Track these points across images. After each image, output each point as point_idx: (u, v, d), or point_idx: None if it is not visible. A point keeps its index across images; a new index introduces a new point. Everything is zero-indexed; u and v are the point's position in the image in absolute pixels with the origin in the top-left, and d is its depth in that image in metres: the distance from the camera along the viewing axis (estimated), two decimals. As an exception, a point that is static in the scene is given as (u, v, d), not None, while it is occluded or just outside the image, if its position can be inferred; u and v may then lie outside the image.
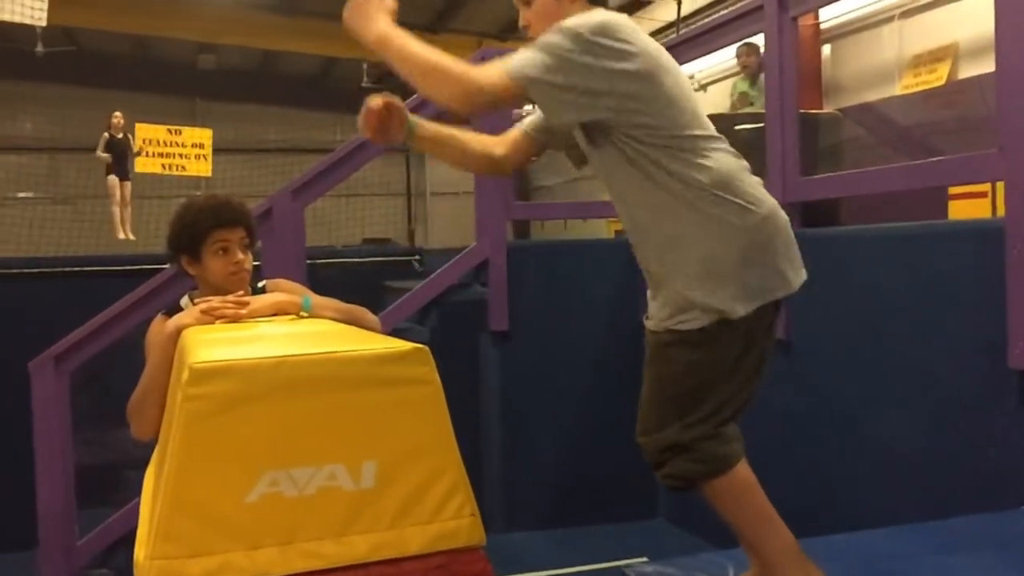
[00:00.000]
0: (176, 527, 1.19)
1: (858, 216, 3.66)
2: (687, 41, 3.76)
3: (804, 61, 7.59)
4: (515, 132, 2.00)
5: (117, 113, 10.71)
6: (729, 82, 7.47)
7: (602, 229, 12.70)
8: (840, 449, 2.92)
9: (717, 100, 9.60)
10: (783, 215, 1.66)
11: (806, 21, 8.24)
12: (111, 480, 3.90)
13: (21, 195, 16.55)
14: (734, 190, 1.60)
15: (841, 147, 4.26)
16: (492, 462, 4.02)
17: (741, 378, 1.62)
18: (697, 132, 1.64)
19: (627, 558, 3.58)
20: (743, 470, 1.65)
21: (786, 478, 3.16)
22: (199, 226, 2.17)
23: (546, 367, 4.10)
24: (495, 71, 1.57)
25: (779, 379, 3.17)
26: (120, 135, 10.53)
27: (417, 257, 5.38)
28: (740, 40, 3.68)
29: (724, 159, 1.64)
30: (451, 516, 1.32)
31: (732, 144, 4.47)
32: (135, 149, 10.10)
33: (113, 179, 10.58)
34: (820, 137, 4.03)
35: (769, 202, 1.63)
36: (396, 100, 1.84)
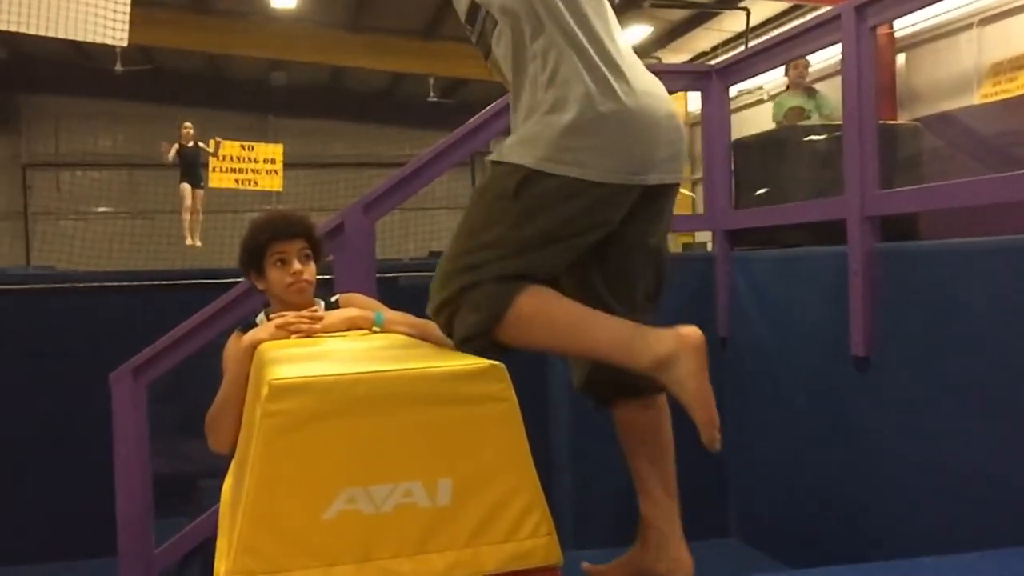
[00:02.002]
0: (256, 543, 1.20)
1: (938, 230, 3.56)
2: (760, 53, 3.71)
3: (879, 71, 7.43)
4: None
5: (187, 124, 11.04)
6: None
7: (670, 243, 12.57)
8: (919, 468, 2.83)
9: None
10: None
11: (881, 30, 8.06)
12: (186, 490, 3.97)
13: (101, 210, 17.10)
14: None
15: (920, 158, 4.14)
16: (562, 479, 3.99)
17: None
18: None
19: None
20: (525, 297, 1.56)
21: (863, 496, 3.08)
22: (259, 240, 2.25)
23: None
24: None
25: (856, 396, 3.10)
26: (190, 144, 10.84)
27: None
28: (814, 51, 3.61)
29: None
30: (528, 535, 1.31)
31: (805, 156, 4.37)
32: (210, 149, 10.37)
33: (185, 186, 10.92)
34: (898, 148, 3.94)
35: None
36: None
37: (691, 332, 1.53)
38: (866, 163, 2.95)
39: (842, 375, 3.11)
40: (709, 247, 5.90)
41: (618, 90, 1.60)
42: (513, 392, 1.32)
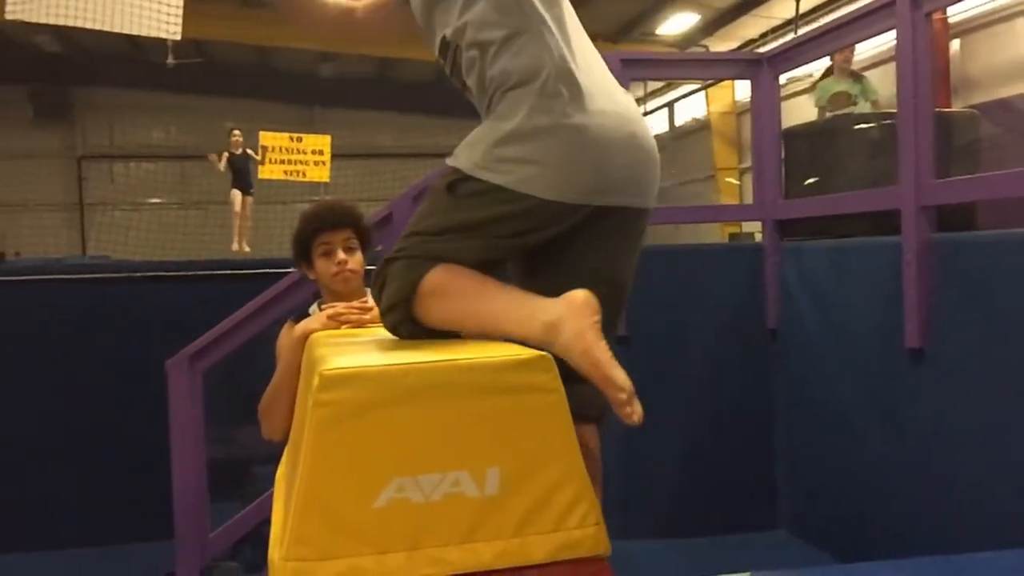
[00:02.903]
0: (308, 530, 1.22)
1: (996, 220, 3.48)
2: (811, 40, 3.65)
3: (932, 57, 7.28)
4: None
5: (236, 131, 11.27)
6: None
7: (716, 233, 12.46)
8: (974, 461, 2.78)
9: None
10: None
11: (935, 15, 7.89)
12: (239, 475, 4.05)
13: (153, 201, 17.43)
14: None
15: (976, 146, 4.05)
16: (609, 468, 3.97)
17: None
18: None
19: (742, 571, 3.50)
20: (435, 272, 1.57)
21: (916, 489, 3.03)
22: (306, 231, 2.31)
23: (665, 373, 4.04)
24: None
25: (909, 388, 3.05)
26: (239, 151, 11.07)
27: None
28: (867, 38, 3.54)
29: None
30: (576, 525, 1.31)
31: (857, 145, 4.31)
32: (257, 158, 10.54)
33: (235, 193, 11.15)
34: (954, 136, 3.86)
35: None
36: None
37: (576, 294, 1.48)
38: (921, 152, 2.89)
39: (895, 367, 3.07)
40: (756, 237, 5.83)
41: (566, 106, 1.57)
42: (560, 383, 1.33)
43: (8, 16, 6.54)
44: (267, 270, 4.66)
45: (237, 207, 11.17)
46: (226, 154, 11.08)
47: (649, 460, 4.04)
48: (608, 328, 1.55)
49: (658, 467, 4.05)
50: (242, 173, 11.11)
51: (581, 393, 1.44)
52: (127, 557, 3.97)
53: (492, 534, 1.28)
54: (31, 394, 4.32)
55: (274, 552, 1.28)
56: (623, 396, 1.39)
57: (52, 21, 6.39)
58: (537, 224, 1.60)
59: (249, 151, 10.94)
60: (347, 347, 1.57)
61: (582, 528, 1.32)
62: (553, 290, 1.55)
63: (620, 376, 1.41)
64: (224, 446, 4.02)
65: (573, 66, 1.61)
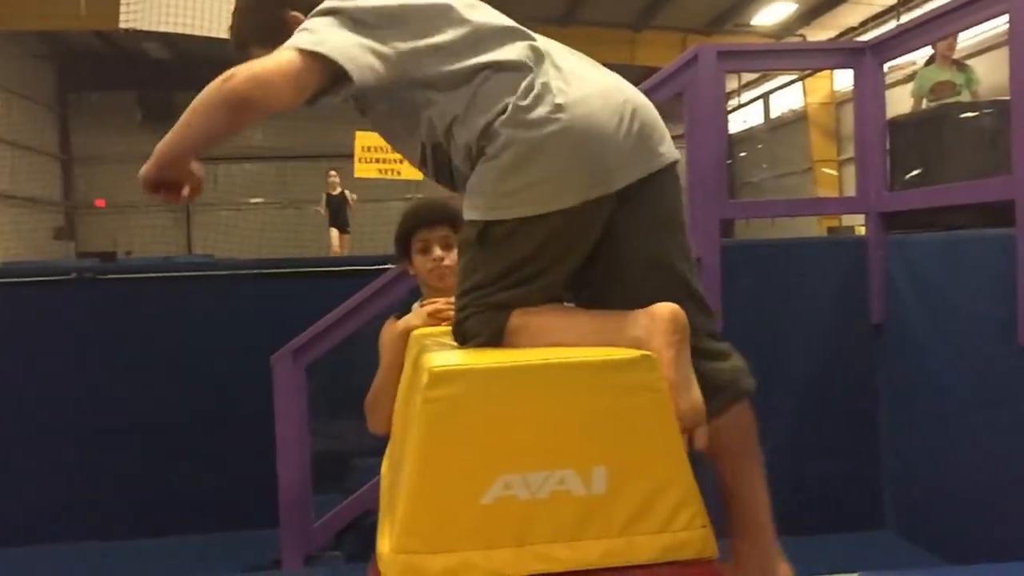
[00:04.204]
0: (417, 524, 1.25)
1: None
2: (917, 27, 3.53)
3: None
4: None
5: (333, 172, 11.80)
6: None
7: (813, 227, 12.15)
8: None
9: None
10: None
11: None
12: (341, 468, 4.15)
13: (253, 201, 17.97)
14: None
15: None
16: (704, 468, 3.94)
17: None
18: None
19: (843, 571, 3.41)
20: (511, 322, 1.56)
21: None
22: (404, 228, 2.36)
23: (763, 369, 3.96)
24: None
25: (1022, 385, 2.93)
26: (336, 192, 11.61)
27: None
28: (977, 24, 3.40)
29: None
30: (682, 527, 1.31)
31: (965, 134, 4.15)
32: (353, 198, 11.08)
33: (333, 231, 11.68)
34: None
35: None
36: None
37: (661, 309, 1.45)
38: (1041, 141, 2.77)
39: (1007, 363, 2.95)
40: (857, 231, 5.66)
41: (543, 117, 1.54)
42: (665, 382, 1.32)
43: (122, 25, 6.82)
44: (364, 267, 4.76)
45: (335, 245, 11.65)
46: (324, 194, 11.62)
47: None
48: (698, 316, 1.57)
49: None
50: (338, 212, 11.62)
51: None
52: (235, 544, 4.11)
53: (598, 533, 1.28)
54: (142, 386, 4.50)
55: (383, 545, 1.31)
56: (683, 423, 1.39)
57: (162, 28, 6.64)
58: (573, 237, 1.58)
59: (346, 192, 11.44)
60: (450, 344, 1.60)
61: (688, 530, 1.31)
62: (617, 298, 1.56)
63: (684, 403, 1.40)
64: (326, 439, 4.12)
65: (534, 75, 1.58)
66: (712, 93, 3.74)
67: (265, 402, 3.70)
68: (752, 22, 15.88)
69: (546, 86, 1.57)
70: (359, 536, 3.68)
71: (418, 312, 2.18)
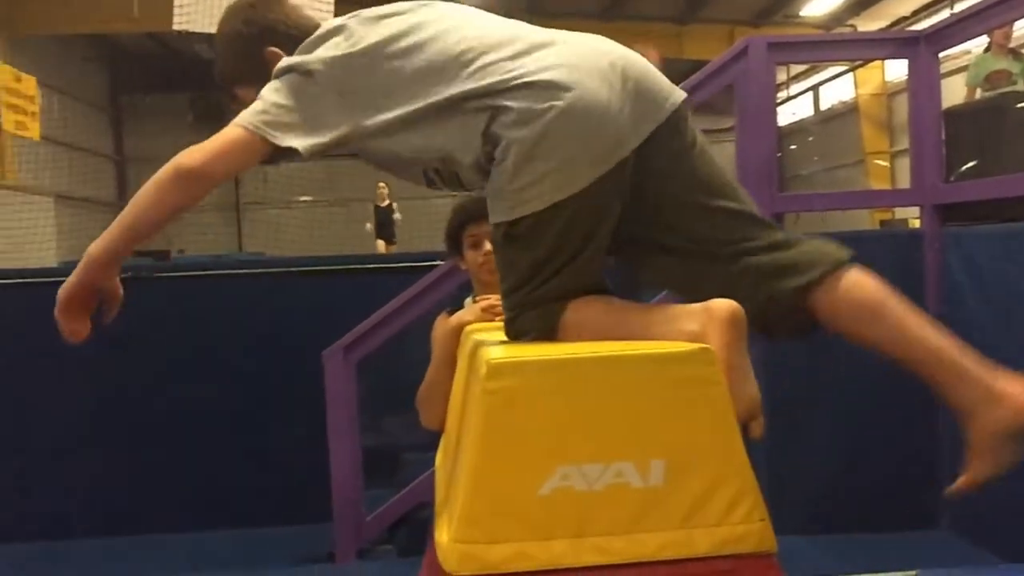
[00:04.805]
0: (476, 514, 1.26)
1: None
2: (974, 15, 3.46)
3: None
4: None
5: (381, 184, 12.01)
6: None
7: (865, 220, 11.96)
8: None
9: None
10: None
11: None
12: (391, 463, 4.19)
13: (302, 199, 18.18)
14: None
15: None
16: (758, 460, 3.89)
17: None
18: None
19: (899, 569, 3.37)
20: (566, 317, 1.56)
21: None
22: (454, 223, 2.39)
23: (821, 362, 3.92)
24: None
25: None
26: (384, 203, 11.84)
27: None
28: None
29: None
30: (740, 520, 1.30)
31: (1022, 124, 4.04)
32: (397, 216, 11.32)
33: (380, 243, 11.93)
34: None
35: None
36: None
37: (718, 305, 1.43)
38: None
39: (1072, 359, 2.88)
40: (910, 224, 5.55)
41: (534, 107, 1.52)
42: (723, 376, 1.32)
43: (175, 27, 6.95)
44: (412, 264, 4.81)
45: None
46: (372, 206, 11.84)
47: (801, 453, 3.93)
48: (751, 228, 1.59)
49: (811, 460, 3.94)
50: (385, 224, 11.83)
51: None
52: (290, 538, 4.18)
53: (656, 525, 1.28)
54: (197, 383, 4.59)
55: (442, 535, 1.33)
56: (739, 417, 1.37)
57: (214, 30, 6.75)
58: (595, 212, 1.57)
59: (393, 205, 11.64)
60: (505, 339, 1.61)
61: (747, 523, 1.30)
62: (668, 238, 1.59)
63: (741, 397, 1.39)
64: (376, 434, 4.17)
65: (512, 71, 1.56)
66: (762, 85, 3.71)
67: (317, 398, 3.75)
68: (801, 13, 15.67)
69: (531, 75, 1.55)
70: (411, 530, 3.71)
71: (471, 308, 2.20)
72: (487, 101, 1.56)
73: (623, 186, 1.59)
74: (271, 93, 1.65)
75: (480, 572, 1.24)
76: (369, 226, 12.19)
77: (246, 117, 1.63)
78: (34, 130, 11.63)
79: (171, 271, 5.49)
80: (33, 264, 10.72)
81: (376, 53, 1.65)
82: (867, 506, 3.84)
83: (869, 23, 15.19)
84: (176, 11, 6.77)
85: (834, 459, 3.92)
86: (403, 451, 4.21)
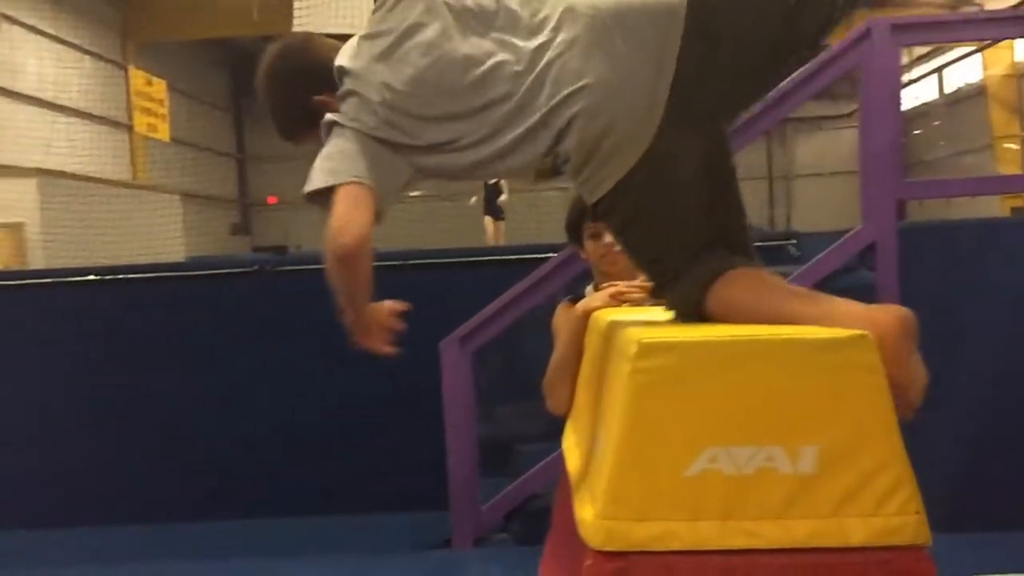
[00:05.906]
0: (623, 491, 1.25)
1: None
2: None
3: None
4: None
5: None
6: None
7: (994, 206, 11.41)
8: None
9: None
10: None
11: None
12: (506, 453, 4.21)
13: (414, 193, 18.46)
14: None
15: None
16: (921, 453, 3.75)
17: None
18: None
19: (1013, 571, 3.21)
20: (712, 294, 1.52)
21: None
22: (574, 216, 2.41)
23: (942, 357, 3.75)
24: None
25: None
26: (492, 180, 11.84)
27: (793, 241, 5.18)
28: None
29: None
30: (895, 511, 1.25)
31: None
32: (504, 193, 11.32)
33: (488, 220, 11.93)
34: None
35: None
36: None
37: (886, 317, 1.37)
38: None
39: None
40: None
41: (572, 95, 1.54)
42: (882, 364, 1.27)
43: (296, 28, 7.17)
44: (522, 256, 4.83)
45: (490, 232, 11.86)
46: (481, 183, 11.88)
47: (926, 450, 3.76)
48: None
49: (936, 457, 3.77)
50: (493, 201, 11.84)
51: None
52: (409, 525, 4.25)
53: (806, 512, 1.25)
54: (319, 374, 4.70)
55: (585, 512, 1.32)
56: (899, 411, 1.34)
57: (334, 30, 6.94)
58: (669, 155, 1.53)
59: (502, 183, 11.69)
60: (643, 321, 1.59)
61: (902, 515, 1.26)
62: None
63: (905, 399, 1.37)
64: (491, 424, 4.19)
65: (539, 69, 1.56)
66: (887, 68, 3.57)
67: (434, 388, 3.79)
68: (922, -7, 15.06)
69: (563, 66, 1.55)
70: (527, 519, 3.73)
71: (599, 294, 2.19)
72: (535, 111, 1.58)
73: (685, 127, 1.53)
74: (334, 148, 1.74)
75: (626, 549, 1.24)
76: (475, 199, 12.23)
77: (322, 175, 1.71)
78: (164, 131, 12.18)
79: (293, 264, 5.65)
80: (164, 259, 11.24)
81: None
82: (987, 506, 3.66)
83: (996, 1, 14.46)
84: (296, 13, 6.99)
85: (955, 460, 3.75)
86: (517, 441, 4.22)
